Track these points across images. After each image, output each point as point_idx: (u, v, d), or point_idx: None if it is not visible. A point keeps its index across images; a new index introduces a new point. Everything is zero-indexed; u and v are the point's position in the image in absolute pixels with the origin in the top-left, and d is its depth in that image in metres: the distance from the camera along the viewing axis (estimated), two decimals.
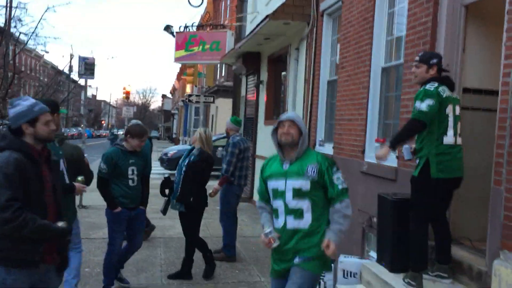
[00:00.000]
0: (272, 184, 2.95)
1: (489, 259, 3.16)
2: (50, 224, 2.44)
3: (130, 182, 4.37)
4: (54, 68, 35.06)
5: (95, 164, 11.70)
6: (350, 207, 2.94)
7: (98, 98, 76.37)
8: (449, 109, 3.33)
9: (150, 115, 77.16)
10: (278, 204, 2.92)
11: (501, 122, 3.11)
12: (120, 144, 4.49)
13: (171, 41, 15.61)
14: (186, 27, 15.07)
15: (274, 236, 2.86)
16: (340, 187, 2.87)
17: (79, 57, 10.05)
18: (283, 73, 9.31)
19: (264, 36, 8.68)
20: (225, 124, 6.12)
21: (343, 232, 2.88)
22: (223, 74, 22.05)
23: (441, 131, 3.29)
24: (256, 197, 7.63)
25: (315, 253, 2.85)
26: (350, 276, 4.18)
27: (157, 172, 13.82)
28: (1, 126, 9.66)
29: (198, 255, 5.12)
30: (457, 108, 3.42)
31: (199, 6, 14.13)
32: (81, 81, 12.95)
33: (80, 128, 40.78)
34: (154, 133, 57.67)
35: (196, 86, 19.86)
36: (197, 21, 23.31)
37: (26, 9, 20.19)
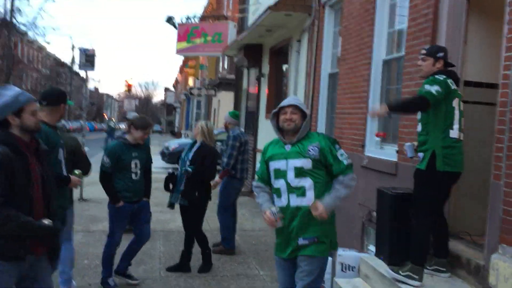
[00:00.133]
0: (274, 164, 2.98)
1: (488, 253, 3.14)
2: (34, 222, 2.37)
3: (133, 175, 4.35)
4: (56, 60, 35.11)
5: (95, 158, 11.75)
6: (355, 180, 2.95)
7: (100, 91, 76.41)
8: (455, 103, 3.31)
9: (152, 109, 77.16)
10: (280, 183, 2.94)
11: (501, 116, 3.08)
12: (122, 137, 4.46)
13: (174, 33, 15.54)
14: (188, 18, 15.03)
15: (279, 215, 2.87)
16: (345, 162, 2.92)
17: (80, 48, 9.99)
18: (285, 65, 9.26)
19: (265, 27, 8.62)
20: (224, 118, 6.11)
21: (339, 198, 2.88)
22: (225, 67, 21.99)
23: (447, 123, 3.27)
24: None
25: (318, 232, 2.88)
26: (349, 269, 4.17)
27: (158, 166, 13.83)
28: None
29: (197, 249, 5.12)
30: (461, 104, 3.39)
31: None
32: (83, 73, 12.96)
33: (81, 122, 40.90)
34: (156, 127, 57.69)
35: (198, 79, 19.82)
36: (199, 12, 23.24)
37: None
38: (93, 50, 9.88)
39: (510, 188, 2.95)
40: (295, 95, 7.95)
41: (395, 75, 5.04)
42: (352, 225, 5.30)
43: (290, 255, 2.95)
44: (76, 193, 7.78)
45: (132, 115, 6.63)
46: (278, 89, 9.78)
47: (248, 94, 11.74)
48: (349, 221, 5.30)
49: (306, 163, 2.87)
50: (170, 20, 15.86)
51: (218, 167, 5.37)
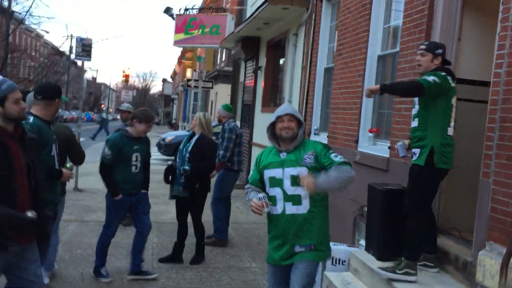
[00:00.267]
0: (269, 172, 2.98)
1: (475, 249, 3.17)
2: (16, 214, 2.33)
3: (133, 168, 4.32)
4: (54, 48, 34.90)
5: (92, 148, 11.66)
6: (351, 173, 2.84)
7: (98, 81, 76.04)
8: (454, 100, 3.32)
9: (150, 100, 76.92)
10: (276, 191, 2.95)
11: (491, 114, 3.09)
12: (124, 129, 4.41)
13: (172, 24, 15.45)
14: (186, 9, 14.94)
15: (267, 201, 2.88)
16: (341, 160, 2.90)
17: (76, 37, 9.93)
18: (282, 59, 9.24)
19: (263, 20, 8.59)
20: (217, 112, 6.11)
21: (330, 178, 2.78)
22: (223, 59, 21.91)
23: (446, 120, 3.28)
24: None
25: (314, 240, 2.90)
26: (339, 263, 4.21)
27: (154, 157, 13.83)
28: None
29: (190, 241, 5.15)
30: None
31: None
32: (80, 63, 12.87)
33: (74, 111, 40.50)
34: None
35: (195, 71, 19.75)
36: (198, 4, 23.09)
37: None
38: (90, 40, 9.83)
39: (498, 186, 2.97)
40: (291, 89, 7.95)
41: (390, 71, 5.04)
42: (344, 220, 5.33)
43: (284, 261, 2.95)
44: (71, 183, 7.80)
45: (125, 106, 6.61)
46: (274, 82, 9.76)
47: (245, 87, 11.72)
48: (341, 215, 5.33)
49: (302, 172, 2.87)
50: (168, 11, 15.77)
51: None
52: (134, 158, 4.31)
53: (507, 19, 3.02)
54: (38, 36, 41.53)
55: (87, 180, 9.30)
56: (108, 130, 23.22)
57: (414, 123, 3.42)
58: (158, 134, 20.73)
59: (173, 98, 51.96)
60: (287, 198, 2.91)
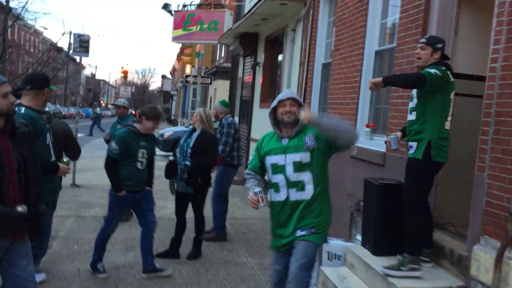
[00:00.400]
0: (271, 159, 2.99)
1: (470, 244, 3.18)
2: (3, 209, 2.28)
3: (139, 165, 4.30)
4: (53, 45, 34.80)
5: (90, 144, 11.65)
6: (353, 128, 2.95)
7: (97, 77, 75.88)
8: (452, 95, 3.32)
9: (149, 96, 76.74)
10: (278, 178, 2.96)
11: (486, 108, 3.09)
12: (132, 125, 4.38)
13: (170, 20, 15.41)
14: (184, 6, 14.90)
15: (263, 196, 2.89)
16: None
17: (74, 34, 9.89)
18: (280, 55, 9.22)
19: (261, 16, 8.58)
20: (214, 108, 6.13)
21: (330, 117, 2.92)
22: (222, 55, 21.86)
23: (444, 114, 3.28)
24: None
25: (315, 223, 2.92)
26: (335, 258, 4.22)
27: None
28: None
29: (187, 236, 5.15)
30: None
31: None
32: (78, 59, 12.83)
33: (71, 108, 40.37)
34: None
35: (194, 67, 19.72)
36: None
37: None
38: (88, 36, 9.79)
39: (493, 180, 2.98)
40: (289, 85, 7.94)
41: (387, 66, 5.03)
42: (340, 215, 5.34)
43: (285, 246, 2.99)
44: (68, 178, 7.81)
45: (121, 101, 6.61)
46: (272, 78, 9.75)
47: (243, 83, 11.71)
48: (338, 210, 5.33)
49: (305, 157, 2.89)
50: (166, 7, 15.74)
51: None
52: (140, 155, 4.30)
53: (502, 14, 3.02)
54: (37, 33, 41.43)
55: (84, 176, 9.31)
56: (101, 126, 23.06)
57: (411, 117, 3.41)
58: (156, 130, 20.70)
59: (172, 94, 51.86)
60: (290, 184, 2.93)
